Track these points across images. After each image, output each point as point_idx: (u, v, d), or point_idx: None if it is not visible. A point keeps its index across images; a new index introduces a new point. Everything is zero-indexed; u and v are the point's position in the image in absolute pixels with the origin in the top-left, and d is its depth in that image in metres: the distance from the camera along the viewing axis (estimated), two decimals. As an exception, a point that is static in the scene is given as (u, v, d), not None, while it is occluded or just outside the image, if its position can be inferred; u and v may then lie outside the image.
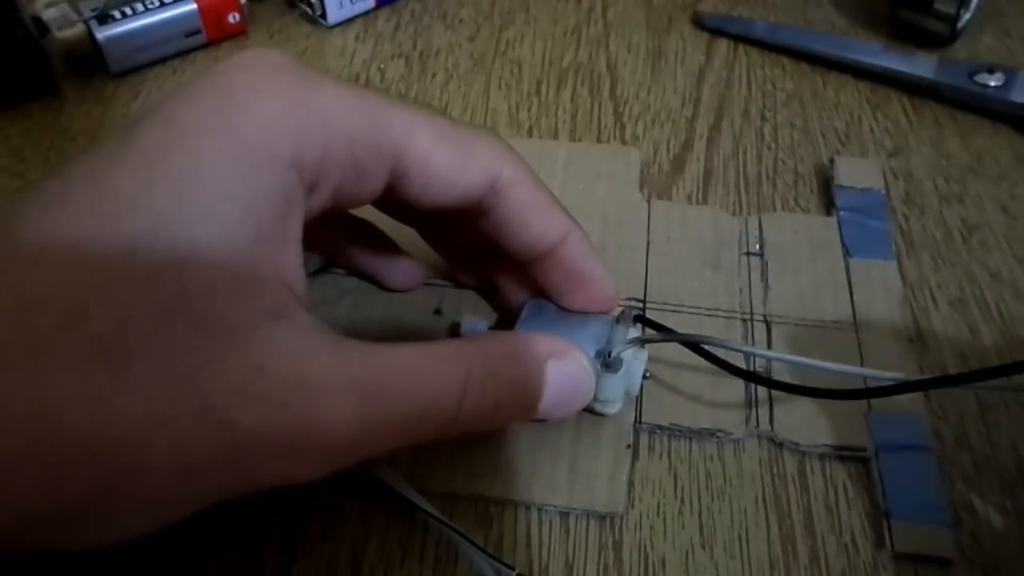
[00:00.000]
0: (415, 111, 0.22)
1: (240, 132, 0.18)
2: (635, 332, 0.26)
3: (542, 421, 0.24)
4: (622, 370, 0.25)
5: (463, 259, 0.31)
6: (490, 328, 0.28)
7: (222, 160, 0.18)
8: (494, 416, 0.21)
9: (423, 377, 0.20)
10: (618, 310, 0.27)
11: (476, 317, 0.29)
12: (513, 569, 0.24)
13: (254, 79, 0.20)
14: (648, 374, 0.27)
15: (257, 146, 0.19)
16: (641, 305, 0.30)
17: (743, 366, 0.29)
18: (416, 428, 0.20)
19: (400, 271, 0.31)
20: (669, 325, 0.31)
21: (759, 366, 0.30)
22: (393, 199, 0.22)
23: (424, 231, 0.29)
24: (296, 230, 0.20)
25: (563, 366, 0.23)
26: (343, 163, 0.20)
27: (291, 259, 0.20)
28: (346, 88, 0.21)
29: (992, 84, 0.40)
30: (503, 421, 0.22)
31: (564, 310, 0.26)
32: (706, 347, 0.26)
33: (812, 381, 0.29)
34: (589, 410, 0.27)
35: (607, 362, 0.25)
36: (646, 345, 0.26)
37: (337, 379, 0.18)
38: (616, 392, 0.26)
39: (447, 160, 0.22)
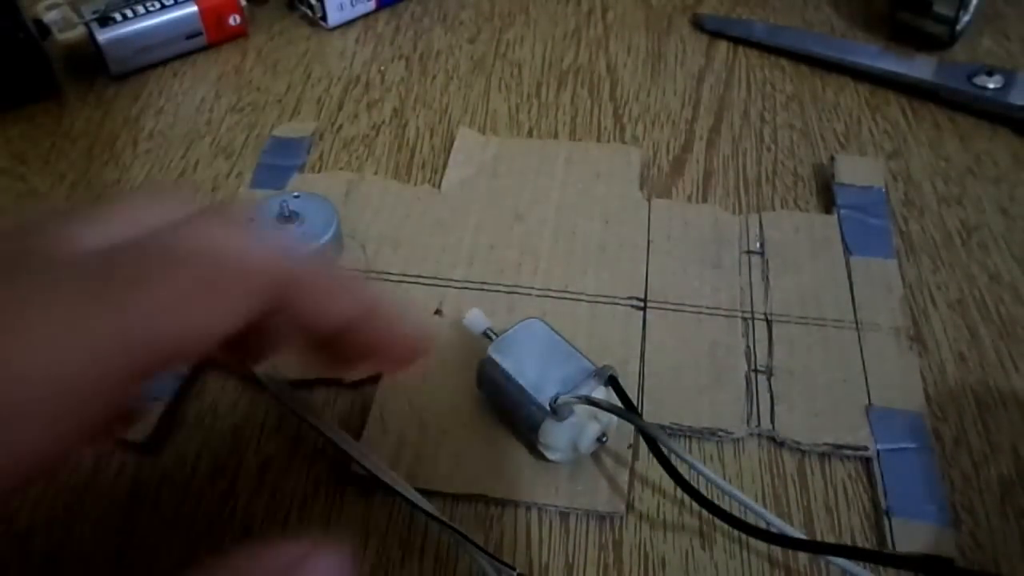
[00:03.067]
0: (142, 281, 0.15)
1: None
2: (602, 392, 0.26)
3: None
4: (569, 421, 0.25)
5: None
6: (489, 329, 0.28)
7: None
8: None
9: None
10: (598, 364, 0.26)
11: (480, 312, 0.29)
12: (514, 569, 0.24)
13: None
14: (605, 439, 0.26)
15: None
16: (613, 370, 0.26)
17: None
18: None
19: None
20: (670, 325, 0.31)
21: (760, 364, 0.30)
22: None
23: None
24: None
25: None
26: (56, 427, 0.14)
27: None
28: (56, 311, 0.14)
29: (991, 86, 0.40)
30: None
31: (555, 337, 0.27)
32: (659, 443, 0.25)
33: (811, 388, 0.29)
34: (532, 447, 0.27)
35: (553, 407, 0.25)
36: (606, 414, 0.26)
37: None
38: (559, 441, 0.26)
39: (207, 321, 0.16)
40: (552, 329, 0.27)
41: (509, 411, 0.27)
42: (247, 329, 0.18)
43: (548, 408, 0.25)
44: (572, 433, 0.26)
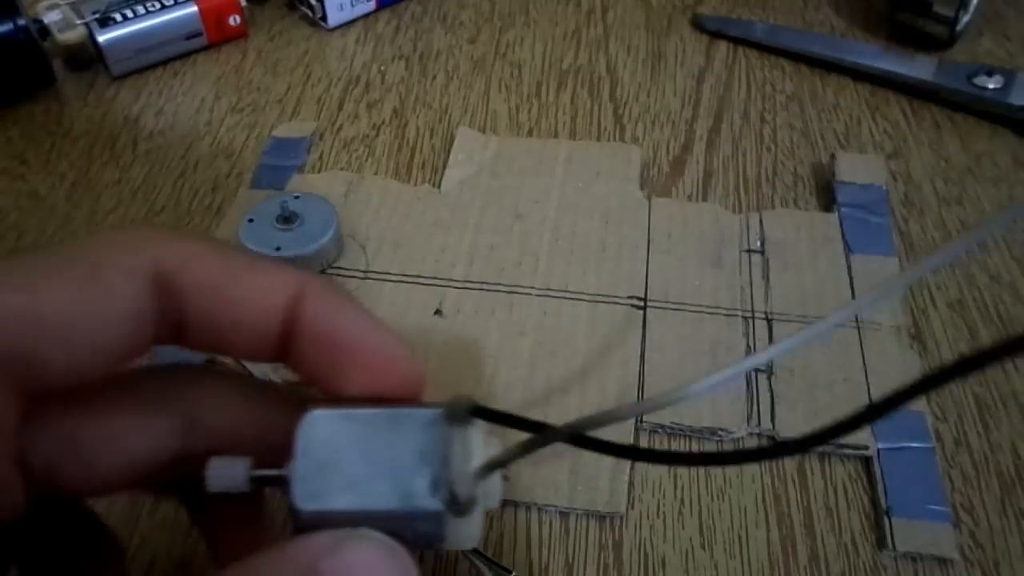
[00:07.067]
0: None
1: None
2: (478, 435, 0.17)
3: None
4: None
5: None
6: (253, 470, 0.17)
7: None
8: None
9: None
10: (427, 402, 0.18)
11: (228, 458, 0.17)
12: (511, 572, 0.24)
13: None
14: (507, 476, 0.20)
15: None
16: (474, 403, 0.17)
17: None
18: None
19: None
20: (671, 324, 0.31)
21: (761, 363, 0.30)
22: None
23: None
24: None
25: (342, 560, 0.14)
26: None
27: None
28: None
29: (991, 86, 0.40)
30: None
31: (358, 413, 0.16)
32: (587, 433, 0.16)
33: (812, 388, 0.29)
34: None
35: (457, 507, 0.15)
36: (494, 446, 0.17)
37: None
38: (475, 528, 0.16)
39: (66, 303, 0.15)
40: (341, 405, 0.17)
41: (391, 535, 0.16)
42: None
43: (447, 509, 0.15)
44: (482, 504, 0.17)
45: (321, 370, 0.17)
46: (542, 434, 0.16)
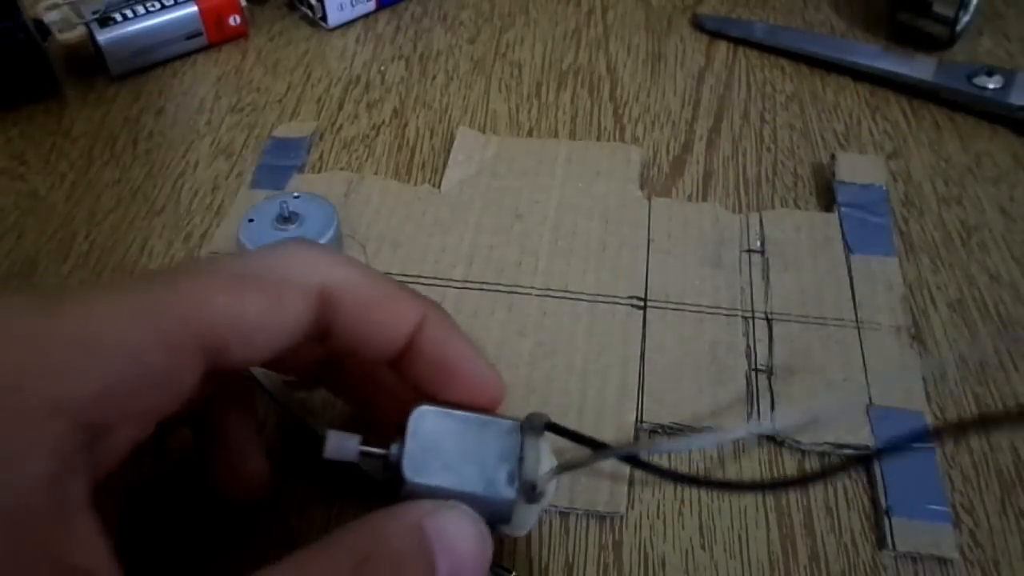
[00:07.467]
0: (200, 272, 0.19)
1: None
2: (546, 445, 0.21)
3: None
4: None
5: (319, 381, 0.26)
6: (363, 443, 0.21)
7: None
8: None
9: None
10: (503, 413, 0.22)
11: (343, 432, 0.21)
12: (511, 572, 0.24)
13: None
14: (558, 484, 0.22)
15: None
16: (547, 418, 0.21)
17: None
18: None
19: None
20: (671, 324, 0.31)
21: (760, 363, 0.30)
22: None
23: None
24: (79, 493, 0.16)
25: (442, 521, 0.19)
26: (137, 390, 0.17)
27: (74, 533, 0.16)
28: (120, 290, 0.17)
29: (991, 86, 0.40)
30: None
31: (455, 414, 0.21)
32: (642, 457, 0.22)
33: (812, 388, 0.29)
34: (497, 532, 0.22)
35: (529, 495, 0.20)
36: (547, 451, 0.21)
37: None
38: (533, 518, 0.21)
39: (260, 310, 0.18)
40: (442, 405, 0.21)
41: None
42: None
43: (522, 496, 0.20)
44: (545, 499, 0.21)
45: (426, 380, 0.21)
46: (601, 451, 0.21)
